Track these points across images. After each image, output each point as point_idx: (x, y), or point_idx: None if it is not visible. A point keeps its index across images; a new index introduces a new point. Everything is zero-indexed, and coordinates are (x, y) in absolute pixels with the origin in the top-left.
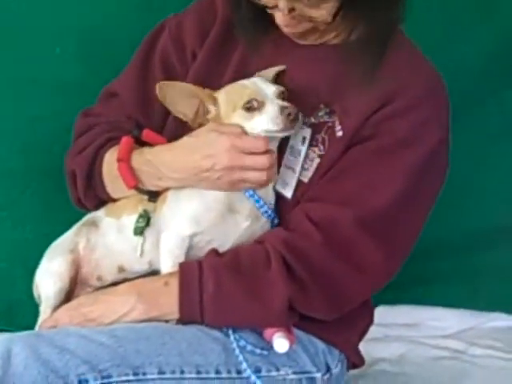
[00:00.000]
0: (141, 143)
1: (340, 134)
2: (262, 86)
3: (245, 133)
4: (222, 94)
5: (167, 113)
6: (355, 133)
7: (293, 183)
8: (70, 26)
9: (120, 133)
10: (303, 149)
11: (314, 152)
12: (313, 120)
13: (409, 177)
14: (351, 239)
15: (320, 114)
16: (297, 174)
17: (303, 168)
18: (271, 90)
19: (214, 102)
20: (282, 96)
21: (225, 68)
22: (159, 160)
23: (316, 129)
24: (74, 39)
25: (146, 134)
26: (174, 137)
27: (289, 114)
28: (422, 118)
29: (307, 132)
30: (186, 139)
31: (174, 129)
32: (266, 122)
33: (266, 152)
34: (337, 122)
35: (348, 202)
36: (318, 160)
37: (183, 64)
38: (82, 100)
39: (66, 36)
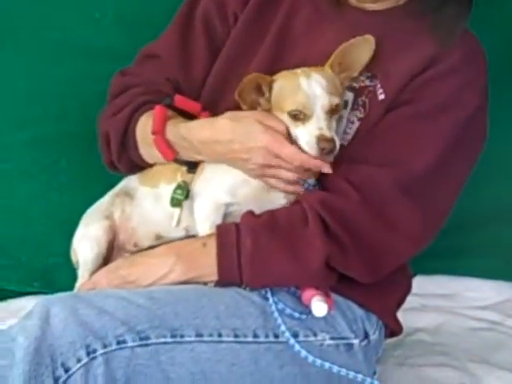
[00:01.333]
0: (176, 109)
1: (382, 96)
2: (317, 94)
3: (288, 134)
4: (278, 84)
5: (207, 75)
6: (396, 96)
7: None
8: None
9: (156, 96)
10: (345, 113)
11: (355, 115)
12: (354, 84)
13: (446, 140)
14: (389, 200)
15: (362, 78)
16: (339, 139)
17: (344, 132)
18: (324, 104)
19: (270, 86)
20: (335, 111)
21: (266, 31)
22: (195, 137)
23: (358, 93)
24: (112, 4)
25: (178, 100)
26: (210, 100)
27: (323, 149)
28: (461, 84)
29: (349, 96)
30: (227, 122)
31: (214, 90)
32: (304, 141)
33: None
34: (378, 86)
35: (386, 164)
36: (358, 123)
37: (225, 26)
38: (120, 65)
39: (105, 1)
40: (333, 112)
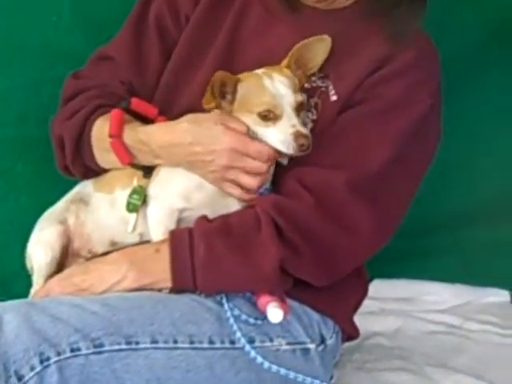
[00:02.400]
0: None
1: (335, 98)
2: (284, 93)
3: (249, 135)
4: (242, 86)
5: (160, 76)
6: (349, 97)
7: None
8: None
9: (111, 99)
10: None
11: (308, 117)
12: (306, 85)
13: (401, 141)
14: (343, 202)
15: (314, 78)
16: None
17: None
18: (291, 102)
19: (235, 87)
20: (300, 108)
21: (217, 32)
22: (154, 141)
23: (310, 93)
24: (69, 7)
25: (135, 104)
26: (164, 101)
27: (302, 145)
28: (414, 83)
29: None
30: (187, 125)
31: (166, 92)
32: (277, 140)
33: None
34: (331, 87)
35: (340, 166)
36: (311, 125)
37: (177, 27)
38: (76, 67)
39: (61, 4)
40: (299, 109)
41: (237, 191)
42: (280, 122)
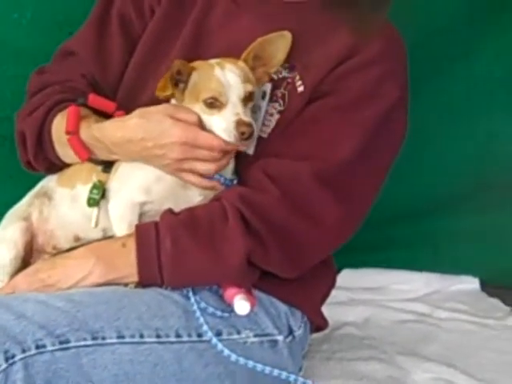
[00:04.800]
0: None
1: (301, 89)
2: (232, 83)
3: (201, 124)
4: (195, 75)
5: (124, 69)
6: (315, 88)
7: (254, 139)
8: None
9: (73, 94)
10: (263, 104)
11: (274, 108)
12: (273, 75)
13: (367, 132)
14: (309, 193)
15: (280, 68)
16: (257, 130)
17: (263, 124)
18: (238, 92)
19: (189, 76)
20: (249, 99)
21: (183, 23)
22: (107, 138)
23: (276, 84)
24: (31, 4)
25: (92, 99)
26: (128, 94)
27: (242, 133)
28: (381, 74)
29: (267, 87)
30: (136, 121)
31: (131, 85)
32: (220, 128)
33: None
34: (297, 78)
35: (306, 157)
36: (277, 116)
37: (141, 20)
38: (38, 65)
39: (23, 1)
40: (247, 100)
41: (196, 179)
42: (224, 110)
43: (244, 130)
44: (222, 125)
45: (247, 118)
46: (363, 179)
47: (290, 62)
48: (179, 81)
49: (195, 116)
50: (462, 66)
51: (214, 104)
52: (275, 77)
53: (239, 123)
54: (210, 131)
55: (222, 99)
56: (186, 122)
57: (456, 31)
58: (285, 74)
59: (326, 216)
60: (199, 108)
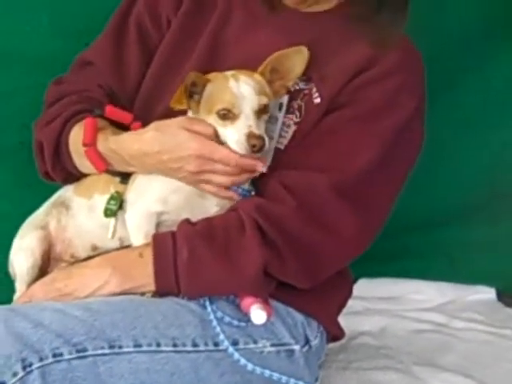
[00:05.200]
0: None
1: (318, 100)
2: (246, 95)
3: (216, 136)
4: (209, 86)
5: (141, 80)
6: (332, 99)
7: (271, 151)
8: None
9: (90, 104)
10: (280, 116)
11: (291, 119)
12: (289, 87)
13: (384, 142)
14: (326, 204)
15: (296, 80)
16: (274, 142)
17: (280, 135)
18: (252, 104)
19: (203, 88)
20: (263, 111)
21: (200, 35)
22: (124, 151)
23: (293, 96)
24: (47, 12)
25: (109, 111)
26: (145, 105)
27: (253, 146)
28: (398, 86)
29: (284, 99)
30: (153, 134)
31: (148, 96)
32: (233, 140)
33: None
34: (314, 89)
35: (323, 169)
36: (294, 127)
37: (158, 31)
38: (56, 74)
39: (39, 10)
40: (261, 112)
41: (213, 189)
42: (237, 122)
43: (255, 143)
44: (235, 137)
45: (258, 131)
46: (380, 189)
47: (306, 74)
48: (194, 92)
49: (211, 129)
50: (476, 78)
51: (227, 116)
52: (292, 88)
53: (250, 136)
54: (224, 143)
55: (234, 111)
56: (202, 134)
57: (471, 44)
58: (301, 85)
59: (342, 227)
60: (213, 119)
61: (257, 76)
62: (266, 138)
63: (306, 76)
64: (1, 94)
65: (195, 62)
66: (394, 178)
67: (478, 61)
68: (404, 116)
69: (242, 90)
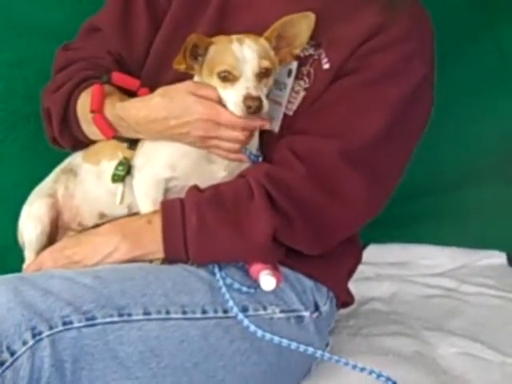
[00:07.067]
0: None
1: (327, 66)
2: (248, 57)
3: (220, 100)
4: (212, 48)
5: (149, 46)
6: (341, 65)
7: (279, 117)
8: None
9: (98, 71)
10: (289, 82)
11: (300, 85)
12: (298, 53)
13: (393, 109)
14: (335, 170)
15: (306, 46)
16: (283, 108)
17: (289, 101)
18: (253, 67)
19: (206, 50)
20: (265, 75)
21: (208, 2)
22: (131, 118)
23: (301, 62)
24: None
25: (116, 78)
26: (154, 71)
27: (249, 107)
28: (407, 52)
29: (293, 65)
30: (159, 100)
31: (157, 61)
32: (231, 101)
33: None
34: (323, 55)
35: (332, 135)
36: (303, 93)
37: None
38: (61, 43)
39: None
40: (262, 75)
41: (222, 152)
42: (237, 84)
43: (250, 104)
44: (233, 98)
45: (256, 92)
46: (390, 156)
47: (315, 40)
48: (198, 54)
49: (216, 92)
50: (488, 41)
51: (227, 77)
52: (301, 54)
53: (246, 97)
54: (225, 105)
55: (235, 73)
56: (208, 98)
57: (483, 8)
58: (311, 51)
59: (352, 194)
60: (215, 81)
61: (262, 40)
62: (264, 100)
63: (315, 42)
64: (8, 64)
65: (204, 28)
66: (403, 144)
67: (489, 26)
68: (413, 82)
69: (244, 52)
